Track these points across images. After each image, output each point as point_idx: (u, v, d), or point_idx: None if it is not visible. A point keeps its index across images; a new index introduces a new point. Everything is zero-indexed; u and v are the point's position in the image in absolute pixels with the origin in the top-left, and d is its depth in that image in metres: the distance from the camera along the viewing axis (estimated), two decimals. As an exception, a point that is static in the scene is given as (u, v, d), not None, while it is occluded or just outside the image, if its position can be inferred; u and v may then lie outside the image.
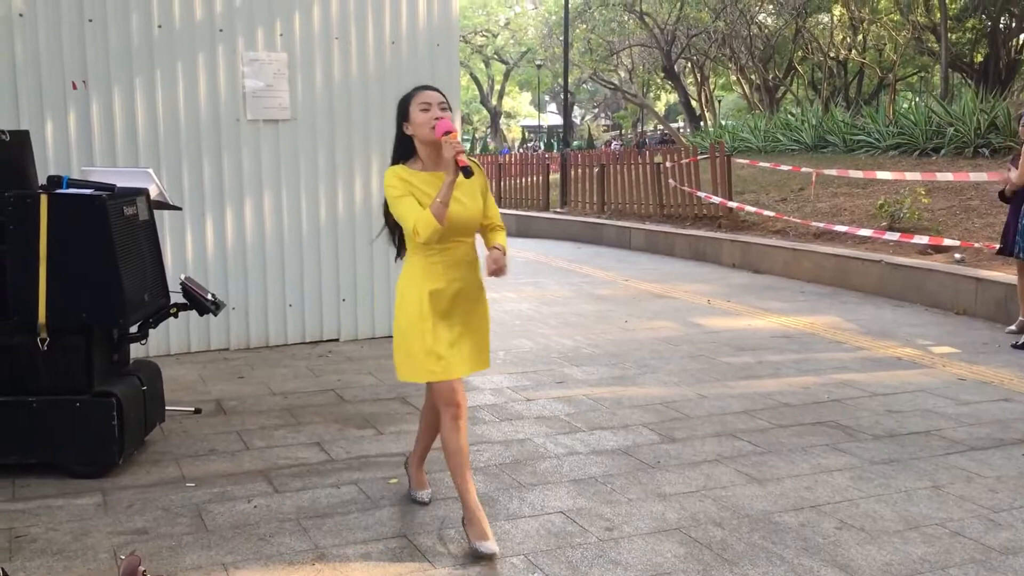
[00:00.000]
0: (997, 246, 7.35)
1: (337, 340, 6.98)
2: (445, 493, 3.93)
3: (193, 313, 4.80)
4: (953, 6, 27.32)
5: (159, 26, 6.30)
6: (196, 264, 6.51)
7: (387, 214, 3.43)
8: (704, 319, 7.93)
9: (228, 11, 6.48)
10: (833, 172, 11.87)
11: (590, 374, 6.05)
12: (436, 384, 3.36)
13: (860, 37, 30.53)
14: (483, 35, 44.21)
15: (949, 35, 26.92)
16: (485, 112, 50.00)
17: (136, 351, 4.72)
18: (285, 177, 6.73)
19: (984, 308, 7.64)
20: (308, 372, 6.10)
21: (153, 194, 4.67)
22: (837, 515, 3.69)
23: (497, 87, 48.09)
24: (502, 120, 52.02)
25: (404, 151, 3.37)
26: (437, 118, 3.23)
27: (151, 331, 4.70)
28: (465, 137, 51.43)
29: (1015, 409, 5.15)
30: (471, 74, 46.40)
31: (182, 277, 4.73)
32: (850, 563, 3.25)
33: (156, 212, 4.75)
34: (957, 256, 8.79)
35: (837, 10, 29.94)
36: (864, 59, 30.89)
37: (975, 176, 10.30)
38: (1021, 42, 28.65)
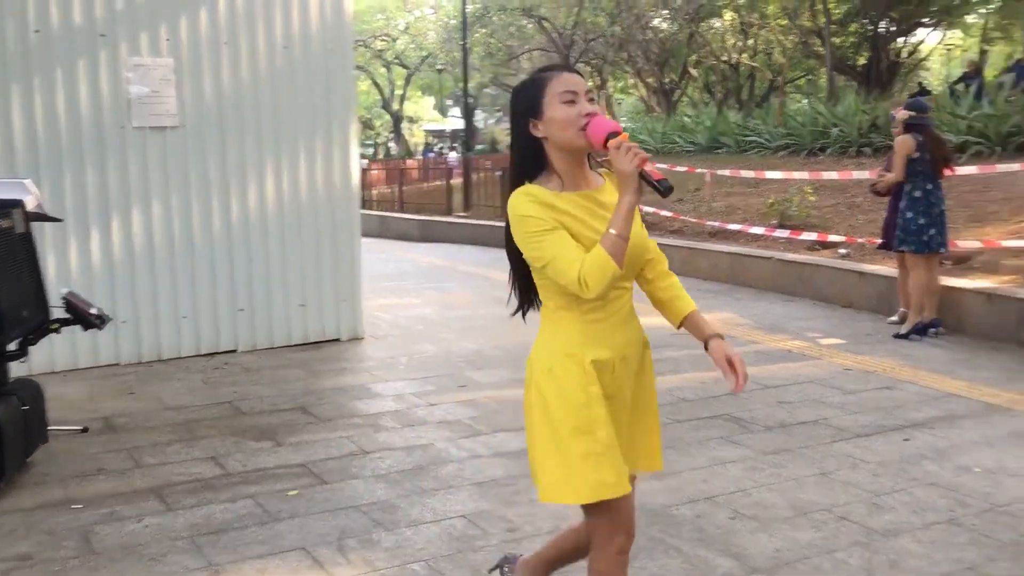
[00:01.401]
0: (879, 241, 7.67)
1: (234, 351, 6.83)
2: (345, 503, 3.89)
3: (79, 328, 4.63)
4: (837, 11, 28.40)
5: (36, 31, 6.06)
6: (81, 277, 6.28)
7: (513, 254, 2.29)
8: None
9: (110, 15, 6.28)
10: (726, 172, 12.19)
11: (493, 377, 6.07)
12: (609, 503, 2.22)
13: (750, 41, 31.45)
14: (383, 39, 43.89)
15: (833, 39, 27.97)
16: (387, 117, 49.65)
17: (17, 369, 4.53)
18: (174, 185, 6.55)
19: (867, 301, 7.96)
20: (203, 385, 5.95)
21: (31, 206, 4.48)
22: (731, 505, 3.79)
23: (399, 92, 47.81)
24: (405, 125, 51.77)
25: (533, 162, 2.22)
26: (588, 114, 2.13)
27: (33, 348, 4.52)
28: (367, 143, 50.96)
29: (896, 396, 5.38)
30: (372, 79, 46.01)
31: (63, 292, 4.56)
32: (743, 551, 3.34)
33: (37, 224, 4.57)
34: (842, 251, 9.14)
35: (728, 15, 30.79)
36: (755, 63, 31.83)
37: (858, 174, 10.72)
38: (900, 46, 29.99)
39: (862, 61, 29.25)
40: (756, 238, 10.57)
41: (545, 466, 2.23)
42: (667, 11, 30.41)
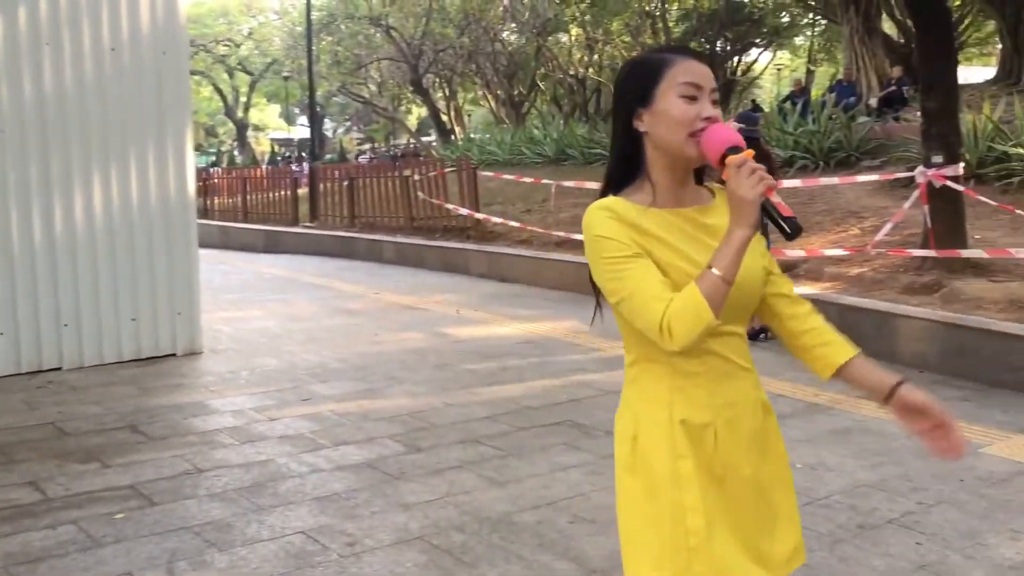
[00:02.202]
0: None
1: (59, 369, 6.45)
2: (176, 524, 3.72)
3: None
4: (676, 30, 29.62)
5: None
6: None
7: (593, 280, 1.77)
8: (452, 329, 8.06)
9: (-85, 9, 5.83)
10: (572, 184, 12.47)
11: (337, 389, 5.97)
12: None
13: (596, 56, 32.37)
14: (225, 44, 42.63)
15: (673, 56, 29.15)
16: (231, 124, 48.21)
17: None
18: (-9, 193, 6.14)
19: (705, 307, 8.30)
20: (24, 406, 5.58)
21: None
22: (571, 510, 3.86)
23: (243, 99, 46.52)
24: (250, 132, 50.40)
25: (627, 166, 1.76)
26: (707, 118, 1.67)
27: None
28: (210, 150, 49.29)
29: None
30: (214, 85, 44.60)
31: None
32: (581, 554, 3.41)
33: None
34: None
35: (574, 31, 31.58)
36: (601, 77, 32.75)
37: (695, 186, 11.17)
38: (736, 64, 31.54)
39: (701, 78, 30.57)
40: (600, 248, 10.84)
41: (628, 552, 1.79)
42: (515, 24, 30.91)
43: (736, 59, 31.93)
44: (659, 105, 1.68)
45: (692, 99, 1.67)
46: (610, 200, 1.72)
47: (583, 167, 16.96)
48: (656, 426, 1.73)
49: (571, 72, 32.62)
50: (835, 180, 10.14)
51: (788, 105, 17.08)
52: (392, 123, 44.24)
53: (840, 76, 20.31)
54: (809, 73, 33.54)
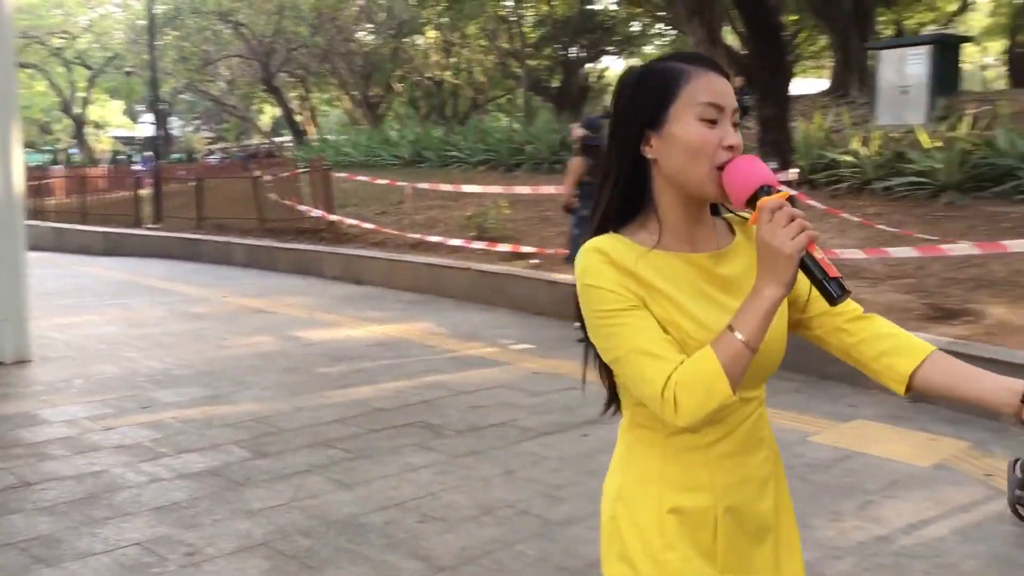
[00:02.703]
0: (566, 252, 8.17)
1: None
2: (1, 540, 3.50)
3: None
4: (532, 35, 30.06)
5: None
6: None
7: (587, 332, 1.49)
8: (304, 332, 7.90)
9: None
10: (427, 186, 12.45)
11: (180, 396, 5.75)
12: None
13: (453, 59, 32.46)
14: (61, 36, 40.37)
15: (529, 62, 29.59)
16: (68, 120, 45.68)
17: None
18: None
19: (557, 308, 8.44)
20: None
21: None
22: (420, 509, 3.85)
23: (81, 94, 44.16)
24: (90, 130, 47.91)
25: (628, 198, 1.47)
26: (729, 146, 1.39)
27: None
28: (45, 148, 46.56)
29: (579, 396, 5.71)
30: (49, 79, 42.14)
31: None
32: (429, 553, 3.41)
33: None
34: (533, 262, 9.64)
35: (431, 33, 31.57)
36: (457, 80, 32.86)
37: (549, 189, 11.36)
38: (589, 70, 32.31)
39: (556, 83, 31.15)
40: (455, 250, 10.87)
41: None
42: (371, 25, 30.63)
43: (591, 66, 32.69)
44: (673, 128, 1.40)
45: (712, 123, 1.38)
46: (605, 240, 1.43)
47: (439, 169, 16.98)
48: (642, 507, 1.47)
49: (428, 75, 32.60)
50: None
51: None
52: (243, 122, 43.02)
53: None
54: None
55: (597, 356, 1.48)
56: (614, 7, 28.81)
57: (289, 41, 30.24)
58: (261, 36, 30.42)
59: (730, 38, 22.29)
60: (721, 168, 1.37)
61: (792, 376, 5.91)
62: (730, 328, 1.33)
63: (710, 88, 1.40)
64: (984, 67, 36.62)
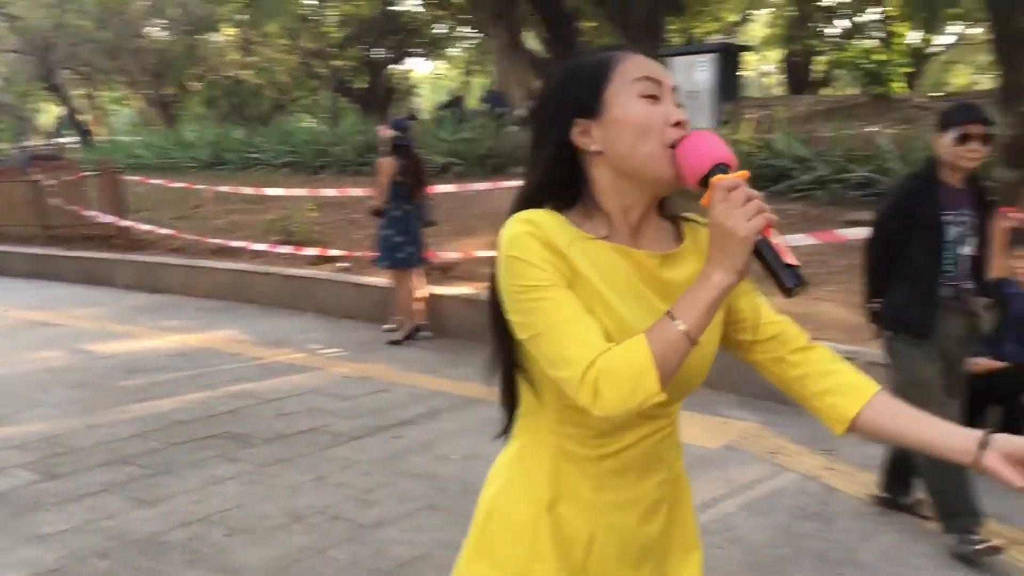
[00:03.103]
0: (375, 254, 8.12)
1: None
2: None
3: None
4: (336, 35, 29.61)
5: None
6: None
7: (496, 319, 1.38)
8: (96, 344, 7.45)
9: None
10: (228, 189, 12.03)
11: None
12: None
13: (254, 58, 31.46)
14: None
15: (334, 62, 29.16)
16: None
17: None
18: None
19: (366, 311, 8.39)
20: None
21: None
22: (226, 522, 3.74)
23: None
24: None
25: (558, 182, 1.36)
26: (677, 122, 1.30)
27: None
28: None
29: (390, 398, 5.74)
30: None
31: None
32: (237, 566, 3.32)
33: None
34: (341, 265, 9.53)
35: (229, 30, 30.47)
36: (259, 80, 31.89)
37: (355, 192, 11.26)
38: (395, 72, 32.20)
39: (362, 84, 30.85)
40: (259, 255, 10.57)
41: None
42: (163, 20, 29.22)
43: (396, 67, 32.59)
44: (614, 112, 1.29)
45: (654, 98, 1.29)
46: (540, 213, 1.31)
47: (240, 172, 16.43)
48: (518, 510, 1.38)
49: (226, 73, 31.45)
50: (488, 185, 10.70)
51: (445, 113, 17.75)
52: (21, 122, 39.95)
53: (492, 87, 21.45)
54: (465, 83, 35.09)
55: (503, 364, 1.40)
56: (419, 8, 28.86)
57: (72, 36, 28.35)
58: (39, 30, 28.34)
59: (532, 43, 22.85)
60: (674, 147, 1.27)
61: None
62: (670, 316, 1.21)
63: (644, 65, 1.31)
64: (763, 74, 39.37)
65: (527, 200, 1.35)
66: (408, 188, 7.31)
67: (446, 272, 8.89)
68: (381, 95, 30.23)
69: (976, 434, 1.26)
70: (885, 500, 3.96)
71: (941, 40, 23.12)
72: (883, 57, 15.17)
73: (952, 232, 3.54)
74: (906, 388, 3.53)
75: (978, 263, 3.64)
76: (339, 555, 3.40)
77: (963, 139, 3.41)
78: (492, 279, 1.36)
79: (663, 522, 1.43)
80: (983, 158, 3.48)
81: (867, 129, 11.53)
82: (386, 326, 7.81)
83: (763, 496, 4.11)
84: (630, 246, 1.33)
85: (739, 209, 1.19)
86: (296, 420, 5.24)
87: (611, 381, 1.19)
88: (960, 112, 3.53)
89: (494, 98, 19.09)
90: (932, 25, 19.90)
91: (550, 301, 1.25)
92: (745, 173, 1.21)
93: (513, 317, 1.30)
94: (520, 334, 1.30)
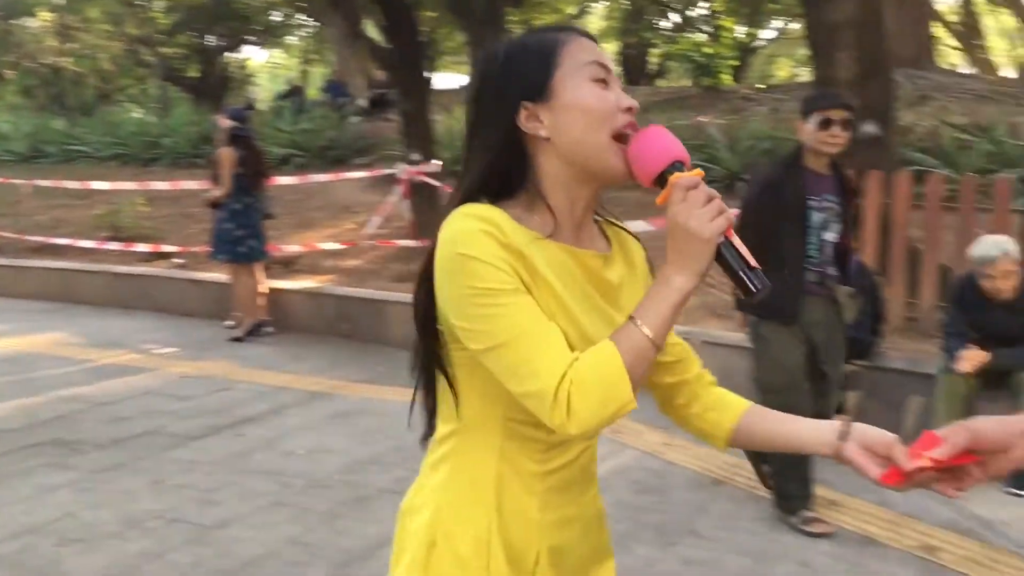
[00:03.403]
0: (212, 249, 7.87)
1: None
2: None
3: None
4: (164, 21, 28.34)
5: None
6: None
7: (424, 315, 1.29)
8: (-96, 353, 6.90)
9: None
10: (49, 183, 11.35)
11: None
12: None
13: (73, 45, 29.71)
14: None
15: (163, 50, 27.88)
16: None
17: None
18: None
19: (205, 307, 8.13)
20: None
21: None
22: (58, 532, 3.57)
23: None
24: None
25: (501, 172, 1.26)
26: (628, 108, 1.23)
27: None
28: None
29: (232, 396, 5.59)
30: None
31: None
32: (70, 578, 3.18)
33: None
34: (177, 261, 9.18)
35: (45, 15, 28.65)
36: (80, 68, 30.15)
37: (191, 184, 10.84)
38: (230, 60, 31.12)
39: (194, 73, 29.67)
40: (87, 252, 10.04)
41: None
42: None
43: (231, 55, 31.52)
44: (564, 96, 1.21)
45: (604, 83, 1.23)
46: (489, 209, 1.19)
47: (63, 165, 15.50)
48: (465, 536, 1.27)
49: (44, 61, 29.56)
50: (329, 177, 10.55)
51: (284, 103, 17.33)
52: None
53: (332, 77, 21.10)
54: (304, 73, 34.32)
55: (423, 367, 1.32)
56: (253, -5, 28.00)
57: None
58: None
59: (374, 32, 22.63)
60: (620, 138, 1.21)
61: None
62: (633, 321, 1.15)
63: (592, 48, 1.25)
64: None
65: (471, 192, 1.24)
66: (248, 180, 7.12)
67: (288, 266, 8.72)
68: (215, 84, 29.11)
69: (836, 426, 1.26)
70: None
71: (764, 34, 24.37)
72: (712, 50, 15.86)
73: (816, 218, 3.55)
74: (770, 373, 3.62)
75: (841, 250, 3.66)
76: (180, 558, 3.31)
77: (824, 125, 3.43)
78: (422, 279, 1.24)
79: (597, 538, 1.39)
80: (845, 144, 3.51)
81: (698, 119, 12.05)
82: (227, 323, 7.59)
83: (605, 474, 4.25)
84: (574, 245, 1.26)
85: (701, 209, 1.13)
86: (131, 423, 5.03)
87: (583, 395, 1.11)
88: (821, 98, 3.58)
89: (334, 88, 18.79)
90: (755, 20, 20.95)
91: (513, 307, 1.15)
92: (701, 172, 1.16)
93: (464, 324, 1.17)
94: (473, 344, 1.17)
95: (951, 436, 1.13)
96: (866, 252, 5.70)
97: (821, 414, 3.60)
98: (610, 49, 35.49)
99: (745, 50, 21.61)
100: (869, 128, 6.03)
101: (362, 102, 17.71)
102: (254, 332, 7.22)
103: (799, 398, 3.57)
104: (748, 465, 4.34)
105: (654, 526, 3.69)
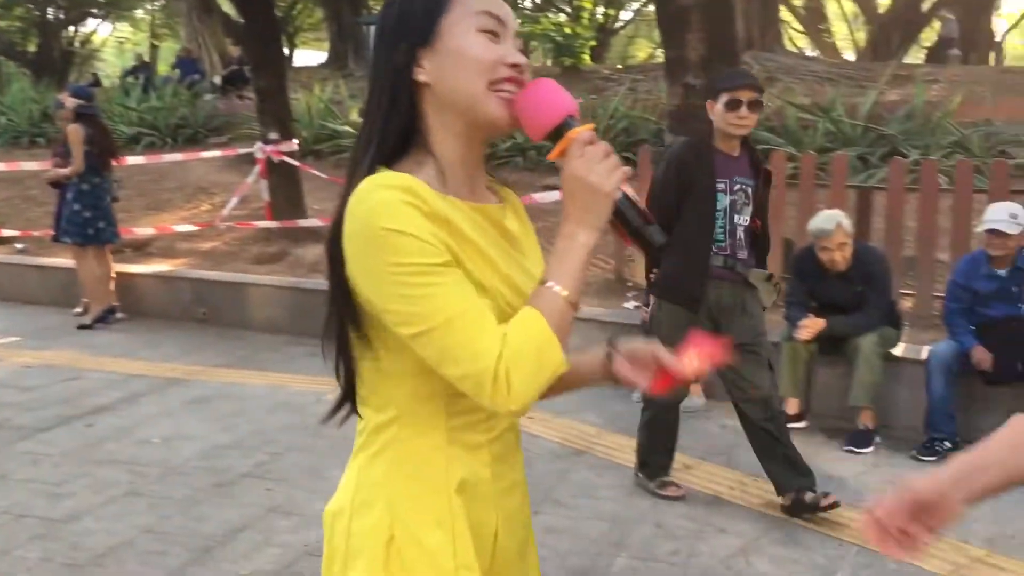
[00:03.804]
0: (53, 233, 7.48)
1: None
2: None
3: None
4: (-3, -8, 26.56)
5: None
6: None
7: (343, 298, 1.17)
8: None
9: None
10: None
11: None
12: None
13: None
14: None
15: (-3, 22, 26.14)
16: None
17: None
18: None
19: (50, 295, 7.73)
20: None
21: None
22: None
23: None
24: None
25: (395, 132, 1.19)
26: (514, 64, 1.18)
27: None
28: None
29: (81, 386, 5.36)
30: None
31: None
32: (-97, 582, 3.00)
33: None
34: (19, 246, 8.68)
35: None
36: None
37: (31, 165, 10.24)
38: (72, 35, 29.48)
39: (32, 48, 27.96)
40: (-84, 238, 9.37)
41: None
42: None
43: (73, 29, 29.84)
44: (448, 42, 1.17)
45: (494, 35, 1.18)
46: (404, 178, 1.12)
47: None
48: (427, 519, 1.19)
49: None
50: (181, 157, 10.17)
51: (131, 80, 16.57)
52: None
53: (182, 53, 20.28)
54: (153, 48, 32.86)
55: (339, 343, 1.22)
56: (95, -34, 26.59)
57: None
58: None
59: (227, 6, 21.88)
60: (496, 88, 1.16)
61: (307, 341, 6.10)
62: (546, 283, 1.13)
63: (489, 0, 1.20)
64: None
65: (380, 150, 1.18)
66: (96, 159, 6.79)
67: (140, 249, 8.39)
68: (57, 60, 27.55)
69: (604, 348, 1.28)
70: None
71: (623, 15, 24.87)
72: (572, 30, 16.07)
73: (724, 200, 3.46)
74: None
75: (754, 232, 3.57)
76: (27, 554, 3.17)
77: (732, 105, 3.35)
78: (333, 257, 1.15)
79: (527, 505, 1.36)
80: (754, 125, 3.44)
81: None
82: (75, 310, 7.25)
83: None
84: (473, 200, 1.21)
85: (600, 164, 1.12)
86: (-28, 418, 4.76)
87: (519, 368, 1.08)
88: (729, 78, 3.48)
89: (185, 64, 18.08)
90: (613, 1, 21.33)
91: (444, 286, 1.09)
92: (592, 126, 1.15)
93: (392, 307, 1.10)
94: (403, 329, 1.10)
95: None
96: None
97: (763, 399, 3.55)
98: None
99: (604, 31, 22.01)
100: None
101: (216, 79, 17.13)
102: (104, 319, 6.92)
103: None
104: (608, 436, 4.50)
105: (517, 497, 3.77)
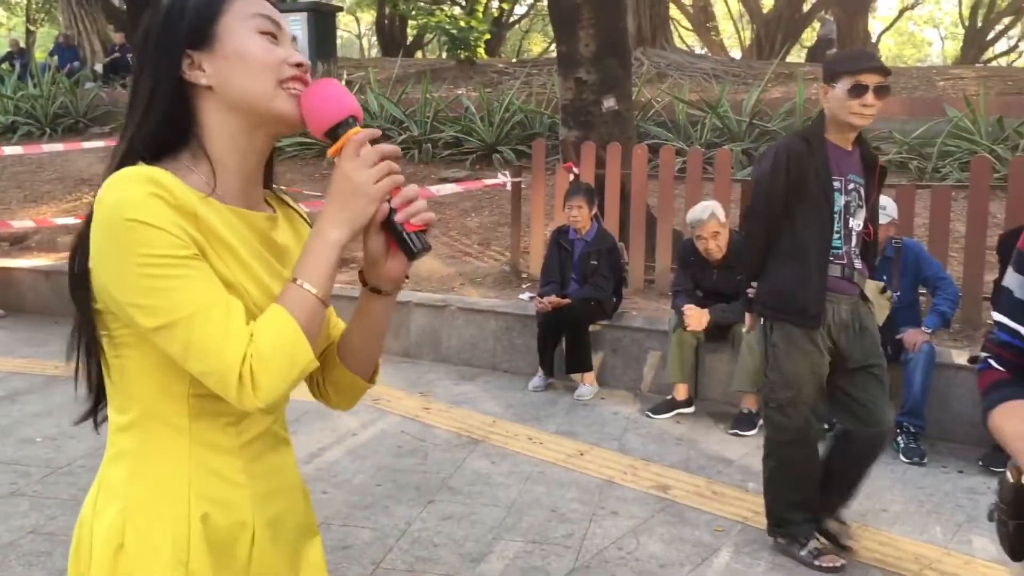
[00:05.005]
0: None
1: None
2: None
3: None
4: None
5: None
6: None
7: (84, 296, 1.14)
8: None
9: None
10: None
11: None
12: None
13: None
14: None
15: None
16: None
17: None
18: None
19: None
20: None
21: None
22: None
23: None
24: None
25: (166, 126, 1.17)
26: (298, 64, 1.19)
27: None
28: None
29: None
30: None
31: None
32: None
33: None
34: None
35: None
36: None
37: None
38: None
39: None
40: None
41: None
42: None
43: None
44: (228, 45, 1.17)
45: (272, 37, 1.19)
46: (154, 171, 1.10)
47: None
48: (160, 526, 1.15)
49: None
50: (60, 147, 9.78)
51: (6, 67, 15.81)
52: None
53: (61, 39, 19.45)
54: (29, 33, 31.38)
55: (86, 351, 1.19)
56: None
57: None
58: None
59: (108, -8, 21.05)
60: (285, 86, 1.18)
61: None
62: (296, 281, 1.13)
63: (261, 3, 1.21)
64: (360, 36, 39.88)
65: (132, 152, 1.16)
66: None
67: (18, 243, 8.05)
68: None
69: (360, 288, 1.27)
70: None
71: (518, 9, 25.03)
72: (466, 23, 16.09)
73: (840, 201, 3.02)
74: (776, 388, 3.13)
75: (864, 240, 3.13)
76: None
77: (858, 91, 2.87)
78: (76, 251, 1.15)
79: (303, 509, 1.35)
80: (875, 115, 2.94)
81: (455, 91, 12.25)
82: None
83: (366, 440, 4.34)
84: (244, 205, 1.20)
85: (371, 168, 1.13)
86: None
87: (266, 365, 1.07)
88: (853, 60, 2.99)
89: (64, 51, 17.34)
90: (507, -5, 21.45)
91: (190, 279, 1.07)
92: (378, 131, 1.17)
93: (134, 299, 1.07)
94: (146, 321, 1.07)
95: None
96: (608, 220, 6.10)
97: (882, 434, 3.12)
98: (367, 20, 35.13)
99: (500, 24, 22.12)
100: (608, 103, 6.43)
101: (98, 67, 16.50)
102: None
103: (808, 409, 3.13)
104: (504, 424, 4.58)
105: (413, 485, 3.80)
